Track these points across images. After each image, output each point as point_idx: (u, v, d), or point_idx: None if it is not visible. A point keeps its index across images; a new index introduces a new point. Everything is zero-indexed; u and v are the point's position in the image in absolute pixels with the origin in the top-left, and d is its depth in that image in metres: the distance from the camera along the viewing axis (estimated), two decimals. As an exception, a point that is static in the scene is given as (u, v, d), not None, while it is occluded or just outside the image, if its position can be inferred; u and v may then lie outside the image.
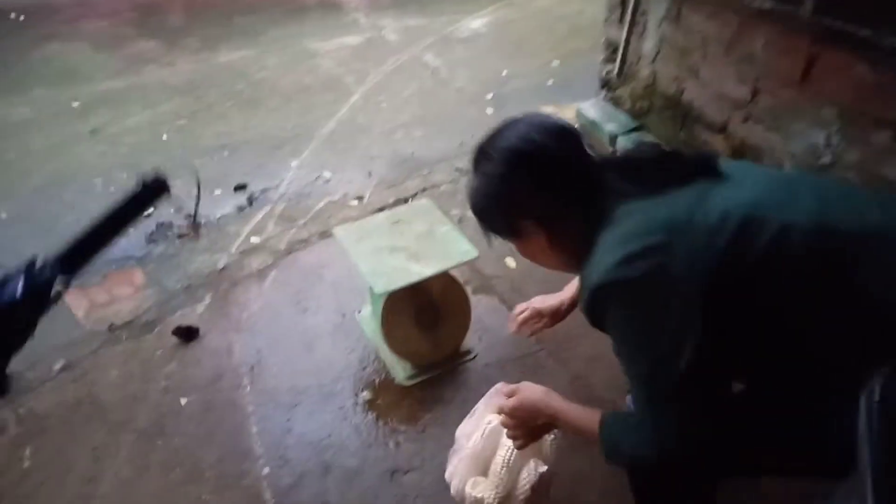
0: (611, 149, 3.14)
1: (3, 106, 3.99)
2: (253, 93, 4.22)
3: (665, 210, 1.07)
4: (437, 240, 2.10)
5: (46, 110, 3.97)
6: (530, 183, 1.18)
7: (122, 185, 3.24)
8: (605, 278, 1.06)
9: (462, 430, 1.64)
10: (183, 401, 2.10)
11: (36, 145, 3.62)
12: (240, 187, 3.23)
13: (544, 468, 1.50)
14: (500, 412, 1.45)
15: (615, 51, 3.24)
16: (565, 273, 1.34)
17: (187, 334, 2.30)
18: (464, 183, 3.16)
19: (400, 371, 2.19)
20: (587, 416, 1.27)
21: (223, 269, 2.65)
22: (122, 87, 4.28)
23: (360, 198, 3.12)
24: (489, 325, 2.36)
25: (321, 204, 3.10)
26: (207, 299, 2.49)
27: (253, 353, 2.27)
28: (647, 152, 1.21)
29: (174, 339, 2.29)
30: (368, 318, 2.36)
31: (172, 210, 3.07)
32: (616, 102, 3.31)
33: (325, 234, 2.81)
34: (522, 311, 1.79)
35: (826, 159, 2.29)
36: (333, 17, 5.51)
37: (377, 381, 2.18)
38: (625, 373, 1.13)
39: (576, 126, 1.22)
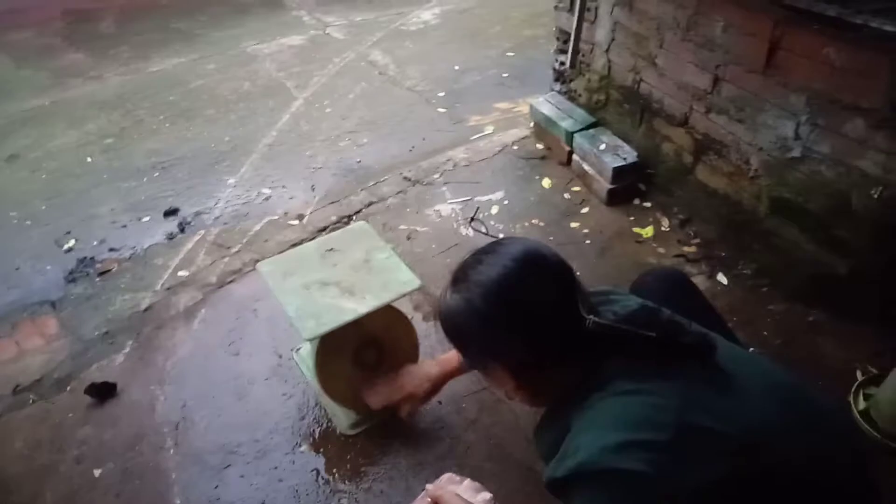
0: (568, 148, 2.91)
1: (-88, 134, 3.66)
2: (188, 103, 3.93)
3: (672, 403, 0.97)
4: (375, 269, 1.87)
5: (-40, 136, 3.65)
6: (506, 330, 1.05)
7: (40, 217, 2.96)
8: (597, 462, 0.94)
9: None
10: (97, 472, 1.85)
11: (-53, 177, 3.31)
12: (170, 212, 2.96)
13: None
14: None
15: (567, 40, 3.01)
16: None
17: (102, 391, 2.05)
18: (412, 195, 2.93)
19: (343, 418, 1.96)
20: None
21: (147, 309, 2.39)
22: (46, 106, 3.97)
23: (300, 216, 2.87)
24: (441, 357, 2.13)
25: (259, 226, 2.84)
26: (128, 347, 2.23)
27: (178, 407, 2.02)
28: (644, 324, 1.04)
29: (87, 399, 2.03)
30: (307, 357, 2.13)
31: (95, 242, 2.80)
32: (571, 96, 3.08)
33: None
34: None
35: (795, 152, 2.09)
36: (276, 15, 5.22)
37: (317, 431, 1.95)
38: None
39: (569, 268, 1.10)
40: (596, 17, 2.77)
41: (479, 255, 1.11)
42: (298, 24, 5.03)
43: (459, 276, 1.11)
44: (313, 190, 3.09)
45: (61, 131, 3.68)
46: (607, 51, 2.79)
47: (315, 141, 3.51)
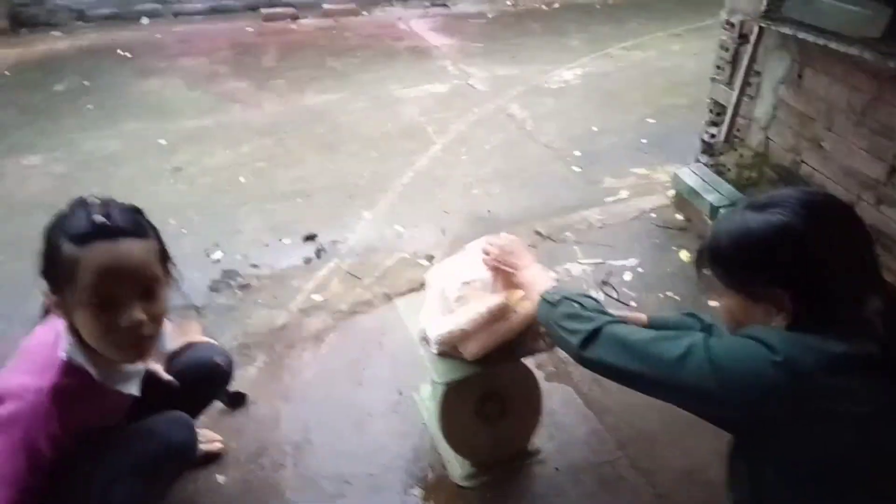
0: (711, 223, 2.81)
1: (95, 139, 4.10)
2: (334, 137, 4.17)
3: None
4: (511, 322, 1.86)
5: (135, 145, 4.05)
6: (828, 253, 1.04)
7: (194, 227, 3.20)
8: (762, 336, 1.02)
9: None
10: (220, 479, 1.92)
11: (119, 180, 3.67)
12: (309, 237, 3.11)
13: (503, 302, 1.59)
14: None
15: (721, 113, 2.93)
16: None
17: (235, 400, 2.14)
18: (543, 250, 2.91)
19: (457, 468, 1.93)
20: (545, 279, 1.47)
21: (281, 327, 2.50)
22: (209, 126, 4.33)
23: (430, 257, 2.93)
24: (562, 421, 2.08)
25: (390, 261, 2.93)
26: (260, 361, 2.34)
27: (300, 428, 2.08)
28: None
29: (220, 405, 2.13)
30: (427, 399, 2.13)
31: (239, 256, 2.98)
32: (719, 170, 2.98)
33: (390, 297, 2.62)
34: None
35: None
36: (422, 63, 5.47)
37: (430, 476, 1.93)
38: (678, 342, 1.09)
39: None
40: (757, 92, 2.69)
41: (778, 193, 1.12)
42: (443, 72, 5.24)
43: (762, 202, 1.11)
44: (443, 233, 3.16)
45: (219, 151, 4.00)
46: (766, 128, 2.69)
47: (448, 186, 3.60)
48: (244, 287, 2.77)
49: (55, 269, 1.24)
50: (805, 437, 0.99)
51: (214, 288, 2.77)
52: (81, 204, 1.27)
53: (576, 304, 1.29)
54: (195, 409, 1.80)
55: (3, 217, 3.28)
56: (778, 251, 1.07)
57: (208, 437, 2.00)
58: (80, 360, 1.31)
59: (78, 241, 1.21)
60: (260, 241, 3.11)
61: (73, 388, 1.29)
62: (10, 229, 3.15)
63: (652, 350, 1.10)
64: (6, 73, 5.15)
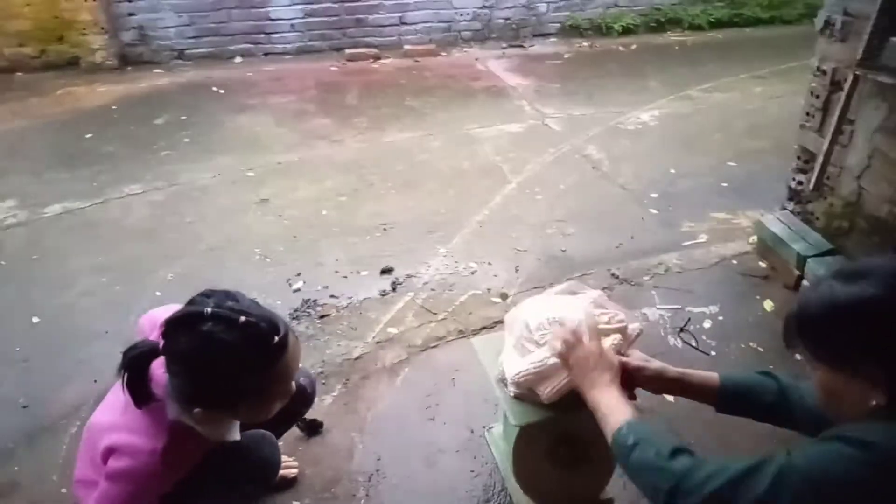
0: (797, 272, 2.71)
1: (192, 171, 4.37)
2: (412, 174, 4.28)
3: None
4: (587, 366, 1.84)
5: (226, 177, 4.29)
6: None
7: (277, 257, 3.34)
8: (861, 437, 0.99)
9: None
10: (296, 504, 1.98)
11: (211, 210, 3.88)
12: (386, 271, 3.20)
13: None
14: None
15: (810, 160, 2.85)
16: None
17: (311, 427, 2.21)
18: (618, 293, 2.88)
19: (528, 511, 1.92)
20: (618, 409, 1.34)
21: (357, 358, 2.57)
22: (295, 161, 4.54)
23: (503, 296, 2.95)
24: (637, 470, 2.03)
25: (464, 297, 2.97)
26: (336, 391, 2.41)
27: (373, 459, 2.12)
28: None
29: (297, 432, 2.20)
30: (498, 439, 2.13)
31: (319, 287, 3.09)
32: (806, 218, 2.89)
33: (463, 333, 2.66)
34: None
35: None
36: (499, 103, 5.57)
37: (501, 517, 1.93)
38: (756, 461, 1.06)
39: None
40: (850, 140, 2.60)
41: (868, 262, 1.09)
42: (519, 112, 5.32)
43: (850, 272, 1.08)
44: (517, 271, 3.18)
45: (304, 185, 4.18)
46: (859, 177, 2.59)
47: (523, 224, 3.63)
48: (323, 317, 2.86)
49: (237, 394, 1.37)
50: None
51: (295, 316, 2.88)
52: (232, 325, 1.31)
53: (650, 451, 1.20)
54: (278, 429, 1.86)
55: (109, 242, 3.53)
56: (867, 326, 1.01)
57: (285, 462, 2.06)
58: (189, 421, 1.41)
59: (269, 365, 1.36)
60: (340, 273, 3.21)
61: (182, 448, 1.40)
62: (114, 254, 3.40)
63: (741, 492, 1.05)
64: (113, 107, 5.58)
